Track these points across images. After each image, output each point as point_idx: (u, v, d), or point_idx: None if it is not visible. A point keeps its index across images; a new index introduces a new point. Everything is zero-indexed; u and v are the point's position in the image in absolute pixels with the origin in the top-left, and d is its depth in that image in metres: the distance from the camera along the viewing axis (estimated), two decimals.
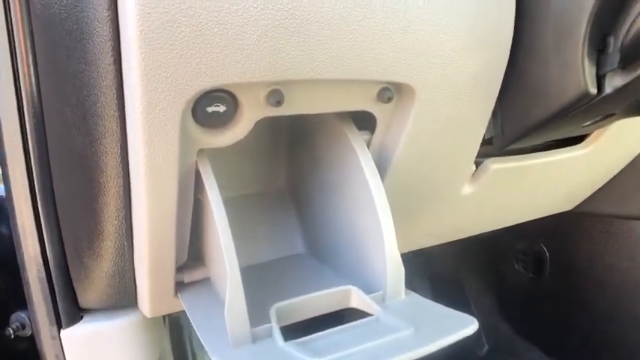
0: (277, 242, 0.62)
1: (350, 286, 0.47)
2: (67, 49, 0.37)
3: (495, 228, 0.81)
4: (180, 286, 0.51)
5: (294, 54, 0.38)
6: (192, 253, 0.51)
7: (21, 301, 0.52)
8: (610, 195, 0.87)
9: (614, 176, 0.85)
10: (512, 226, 0.84)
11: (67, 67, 0.38)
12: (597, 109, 0.51)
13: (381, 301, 0.46)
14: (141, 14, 0.32)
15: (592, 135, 0.70)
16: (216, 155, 0.45)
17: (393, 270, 0.46)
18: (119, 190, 0.42)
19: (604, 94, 0.45)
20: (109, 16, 0.34)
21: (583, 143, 0.71)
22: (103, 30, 0.35)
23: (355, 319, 0.43)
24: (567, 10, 0.44)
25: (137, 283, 0.50)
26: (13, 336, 0.55)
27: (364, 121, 0.50)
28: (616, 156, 0.79)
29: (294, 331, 0.43)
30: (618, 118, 0.58)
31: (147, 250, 0.44)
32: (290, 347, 0.39)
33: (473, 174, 0.62)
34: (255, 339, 0.40)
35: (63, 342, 0.51)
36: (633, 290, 0.90)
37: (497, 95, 0.51)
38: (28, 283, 0.50)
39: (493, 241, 1.13)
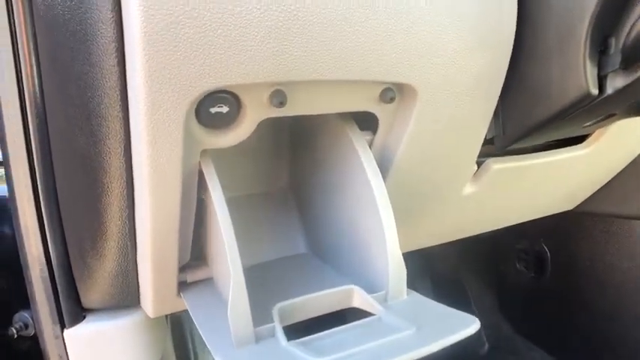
0: (280, 242, 0.62)
1: (352, 286, 0.47)
2: (70, 51, 0.37)
3: (496, 227, 0.82)
4: (182, 285, 0.51)
5: (297, 55, 0.38)
6: (194, 252, 0.51)
7: (24, 300, 0.52)
8: (611, 195, 0.87)
9: (615, 176, 0.85)
10: (513, 226, 0.84)
11: (70, 69, 0.38)
12: (598, 110, 0.51)
13: (383, 301, 0.46)
14: (145, 16, 0.32)
15: (593, 135, 0.70)
16: (219, 156, 0.45)
17: (395, 270, 0.46)
18: (122, 190, 0.42)
19: (605, 95, 0.46)
20: (113, 17, 0.34)
21: (584, 143, 0.71)
22: (107, 31, 0.35)
23: (357, 319, 0.43)
24: (569, 11, 0.44)
25: (140, 282, 0.50)
26: (16, 336, 0.55)
27: (366, 122, 0.50)
28: (617, 156, 0.79)
29: (297, 330, 0.43)
30: (619, 119, 0.58)
31: (150, 250, 0.44)
32: (293, 347, 0.39)
33: (474, 174, 0.62)
34: (258, 339, 0.41)
35: (66, 341, 0.51)
36: (634, 290, 0.91)
37: (498, 95, 0.51)
38: (31, 282, 0.50)
39: (494, 241, 1.13)
